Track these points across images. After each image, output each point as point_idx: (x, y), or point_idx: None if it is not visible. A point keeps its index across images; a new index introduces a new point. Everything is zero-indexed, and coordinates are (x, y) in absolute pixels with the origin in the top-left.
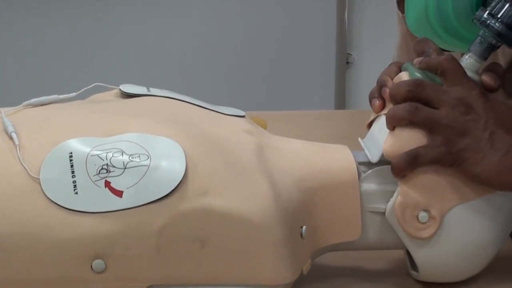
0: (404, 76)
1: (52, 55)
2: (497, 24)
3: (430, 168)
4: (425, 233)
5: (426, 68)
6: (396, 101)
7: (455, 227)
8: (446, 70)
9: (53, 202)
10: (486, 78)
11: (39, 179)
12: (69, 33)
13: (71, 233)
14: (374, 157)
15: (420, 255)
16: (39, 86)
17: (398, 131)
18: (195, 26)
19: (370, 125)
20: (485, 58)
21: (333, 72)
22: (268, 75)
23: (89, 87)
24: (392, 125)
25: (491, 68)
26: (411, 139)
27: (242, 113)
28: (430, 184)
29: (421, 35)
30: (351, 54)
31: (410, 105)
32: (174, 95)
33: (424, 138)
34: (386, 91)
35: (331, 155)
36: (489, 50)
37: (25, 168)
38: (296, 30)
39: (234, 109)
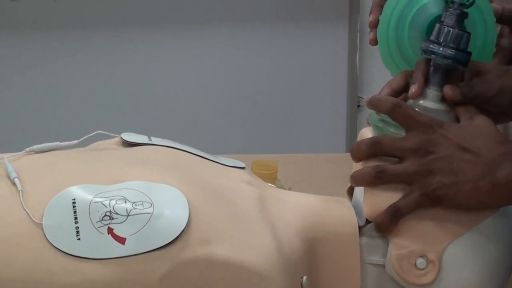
0: (366, 133)
1: (54, 102)
2: (441, 49)
3: (414, 215)
4: (427, 278)
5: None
6: (358, 159)
7: (455, 264)
8: (397, 118)
9: (56, 247)
10: (447, 90)
11: (42, 224)
12: (71, 80)
13: (73, 279)
14: (360, 221)
15: None
16: (40, 133)
17: (371, 190)
18: (204, 69)
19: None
20: (444, 85)
21: (344, 115)
22: (279, 118)
23: (90, 135)
24: (360, 185)
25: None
26: (387, 194)
27: (242, 164)
28: (419, 230)
29: (389, 68)
30: (362, 98)
31: (374, 168)
32: (175, 144)
33: (398, 188)
34: (367, 100)
35: (332, 207)
36: (445, 76)
37: (28, 214)
38: (307, 73)
39: (235, 160)
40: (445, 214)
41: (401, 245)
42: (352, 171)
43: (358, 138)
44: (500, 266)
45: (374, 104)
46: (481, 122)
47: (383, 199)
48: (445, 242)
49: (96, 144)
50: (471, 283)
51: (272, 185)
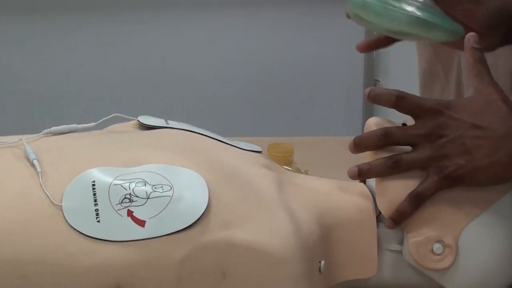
0: (371, 124)
1: (71, 85)
2: None
3: (428, 201)
4: (446, 263)
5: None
6: (365, 150)
7: (472, 246)
8: (403, 110)
9: (75, 229)
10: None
11: (61, 206)
12: (88, 62)
13: (92, 261)
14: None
15: (451, 283)
16: (57, 115)
17: (382, 188)
18: (221, 52)
19: None
20: None
21: (361, 98)
22: (296, 101)
23: (107, 117)
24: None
25: None
26: (401, 184)
27: (259, 148)
28: (434, 215)
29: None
30: (378, 81)
31: (389, 159)
32: (192, 128)
33: (411, 178)
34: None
35: (348, 192)
36: None
37: (48, 196)
38: (324, 56)
39: (251, 144)
40: (458, 196)
41: (417, 232)
42: (352, 166)
43: (365, 129)
44: None
45: (375, 99)
46: (489, 91)
47: (398, 190)
48: (461, 225)
49: (113, 126)
50: (489, 263)
51: (288, 168)
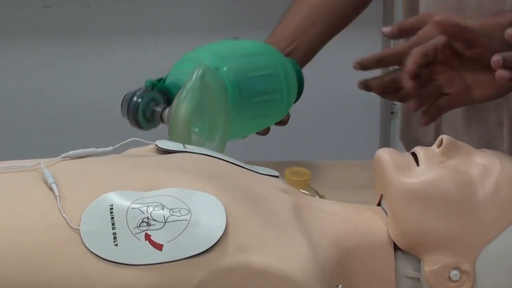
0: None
1: (88, 107)
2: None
3: (442, 226)
4: None
5: None
6: None
7: (490, 270)
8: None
9: (93, 253)
10: None
11: (79, 230)
12: (107, 84)
13: (110, 284)
14: None
15: None
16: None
17: (395, 218)
18: None
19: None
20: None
21: (378, 121)
22: (312, 125)
23: (125, 142)
24: None
25: None
26: (413, 220)
27: (276, 173)
28: (450, 241)
29: None
30: (395, 104)
31: None
32: (210, 152)
33: (421, 212)
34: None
35: (366, 216)
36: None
37: (66, 219)
38: (341, 79)
39: (268, 169)
40: (473, 219)
41: (433, 259)
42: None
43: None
44: None
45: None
46: None
47: (412, 222)
48: (477, 250)
49: (131, 151)
50: (510, 286)
51: (306, 192)
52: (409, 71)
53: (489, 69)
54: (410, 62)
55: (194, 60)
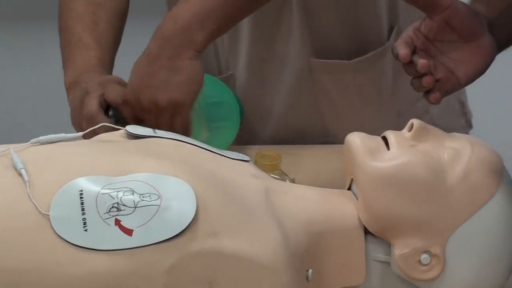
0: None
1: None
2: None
3: (412, 210)
4: (433, 273)
5: None
6: None
7: (460, 254)
8: None
9: (63, 239)
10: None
11: (49, 215)
12: None
13: (81, 270)
14: None
15: None
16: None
17: (365, 204)
18: None
19: None
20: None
21: None
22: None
23: (95, 127)
24: None
25: None
26: (383, 206)
27: (246, 157)
28: (420, 225)
29: None
30: None
31: None
32: (180, 137)
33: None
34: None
35: (336, 200)
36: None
37: (35, 205)
38: None
39: (239, 153)
40: (444, 203)
41: (403, 243)
42: None
43: (346, 144)
44: (508, 246)
45: None
46: None
47: (382, 207)
48: (447, 233)
49: (101, 136)
50: (477, 270)
51: (276, 177)
52: (402, 57)
53: (461, 40)
54: (400, 52)
55: None
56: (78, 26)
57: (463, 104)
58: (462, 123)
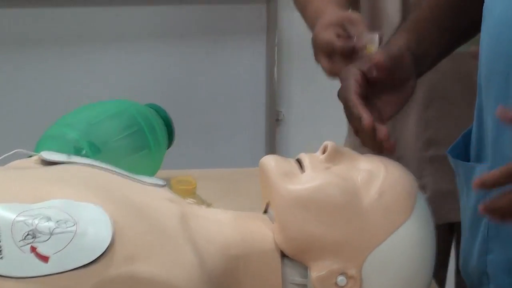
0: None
1: None
2: None
3: (327, 232)
4: None
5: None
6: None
7: (376, 274)
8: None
9: None
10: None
11: None
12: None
13: None
14: None
15: None
16: None
17: (281, 225)
18: (121, 83)
19: None
20: None
21: (263, 129)
22: (198, 133)
23: (8, 154)
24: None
25: None
26: (300, 228)
27: (162, 182)
28: (336, 247)
29: None
30: (281, 111)
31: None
32: (95, 162)
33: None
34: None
35: (253, 223)
36: None
37: None
38: (226, 88)
39: (154, 178)
40: (360, 227)
41: (319, 266)
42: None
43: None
44: (423, 268)
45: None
46: None
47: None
48: (363, 255)
49: (14, 163)
50: (398, 284)
51: (192, 201)
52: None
53: (390, 89)
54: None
55: (57, 138)
56: None
57: None
58: None
